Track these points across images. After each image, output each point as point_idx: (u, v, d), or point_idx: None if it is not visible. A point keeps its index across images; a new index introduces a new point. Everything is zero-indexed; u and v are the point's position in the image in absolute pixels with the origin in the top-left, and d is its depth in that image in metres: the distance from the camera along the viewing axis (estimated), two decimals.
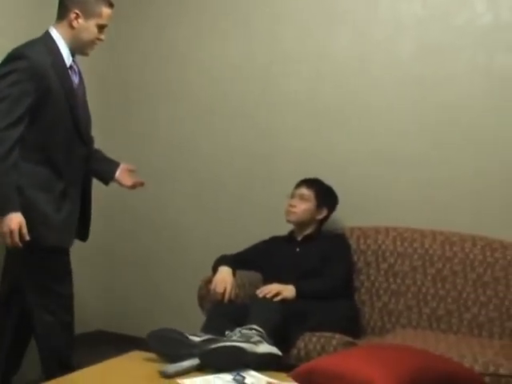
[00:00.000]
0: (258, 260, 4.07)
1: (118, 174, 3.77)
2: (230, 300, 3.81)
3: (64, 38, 3.47)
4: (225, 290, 3.80)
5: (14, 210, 3.28)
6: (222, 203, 4.73)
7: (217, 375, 2.93)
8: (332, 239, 4.07)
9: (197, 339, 3.15)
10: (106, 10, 3.50)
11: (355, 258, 4.10)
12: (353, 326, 3.86)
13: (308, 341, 3.55)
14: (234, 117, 4.68)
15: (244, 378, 2.90)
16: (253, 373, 2.97)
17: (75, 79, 3.53)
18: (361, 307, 4.04)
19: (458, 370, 2.63)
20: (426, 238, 4.02)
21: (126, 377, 2.94)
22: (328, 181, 4.12)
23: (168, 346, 3.13)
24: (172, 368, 2.94)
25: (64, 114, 3.44)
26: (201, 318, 3.85)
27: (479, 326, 3.81)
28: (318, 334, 3.56)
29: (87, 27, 3.47)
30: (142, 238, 5.03)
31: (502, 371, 3.15)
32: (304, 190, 4.08)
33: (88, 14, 3.46)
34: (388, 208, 4.24)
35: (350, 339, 3.57)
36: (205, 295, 3.88)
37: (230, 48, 4.69)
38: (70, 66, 3.51)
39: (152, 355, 3.14)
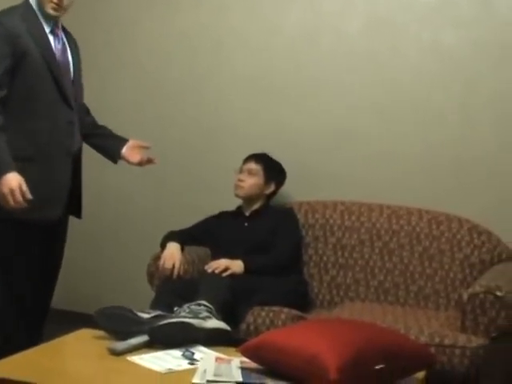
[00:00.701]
0: (207, 235, 4.07)
1: (124, 150, 3.72)
2: (178, 276, 3.81)
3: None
4: (173, 266, 3.80)
5: (11, 169, 3.21)
6: (171, 178, 4.71)
7: (166, 351, 2.93)
8: (280, 213, 4.09)
9: (145, 316, 3.14)
10: None
11: (303, 232, 4.13)
12: (301, 300, 3.89)
13: (257, 315, 3.57)
14: (182, 90, 4.65)
15: (193, 353, 2.90)
16: (202, 348, 2.97)
17: (58, 44, 3.47)
18: (309, 281, 4.07)
19: (403, 342, 2.67)
20: (374, 212, 4.06)
21: (74, 355, 2.93)
22: (276, 156, 4.14)
23: (116, 324, 3.11)
24: (121, 345, 2.93)
25: (45, 80, 3.38)
26: (150, 294, 3.84)
27: (425, 297, 3.87)
28: (266, 308, 3.58)
29: None
30: (90, 214, 4.98)
31: (446, 342, 3.21)
32: (252, 165, 4.09)
33: None
34: (336, 183, 4.27)
35: (298, 313, 3.60)
36: (154, 272, 3.87)
37: (181, 20, 4.64)
38: (52, 31, 3.46)
39: (101, 333, 3.12)
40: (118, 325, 3.10)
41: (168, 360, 2.84)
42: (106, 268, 4.93)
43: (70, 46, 3.57)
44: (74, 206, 3.65)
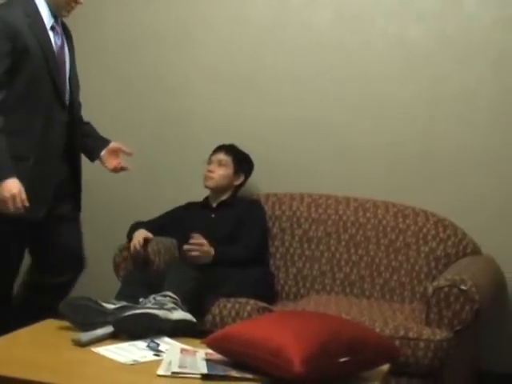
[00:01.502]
0: (174, 226, 4.06)
1: (103, 152, 3.70)
2: (146, 261, 3.80)
3: None
4: (145, 249, 3.84)
5: (12, 175, 3.22)
6: (138, 169, 4.67)
7: (131, 343, 2.92)
8: (247, 205, 4.09)
9: (111, 307, 3.12)
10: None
11: (270, 224, 4.13)
12: (268, 292, 3.90)
13: (222, 307, 3.57)
14: (150, 81, 4.62)
15: (158, 344, 2.89)
16: (167, 340, 2.96)
17: (58, 41, 3.43)
18: (275, 273, 4.08)
19: (368, 335, 2.68)
20: (340, 205, 4.08)
21: (38, 346, 2.90)
22: (244, 147, 4.14)
23: (82, 315, 3.10)
24: (85, 336, 2.91)
25: (43, 77, 3.35)
26: (116, 285, 3.83)
27: (391, 290, 3.90)
28: (232, 299, 3.58)
29: None
30: None
31: (411, 335, 3.23)
32: (222, 156, 4.08)
33: None
34: (303, 175, 4.28)
35: (264, 305, 3.61)
36: (120, 262, 3.86)
37: (149, 11, 4.61)
38: (53, 28, 3.41)
39: (66, 324, 3.10)
40: (84, 316, 3.08)
41: (133, 351, 2.82)
42: None
43: (66, 42, 3.53)
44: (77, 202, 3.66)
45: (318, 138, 4.26)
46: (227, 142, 4.15)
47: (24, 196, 3.24)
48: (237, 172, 4.09)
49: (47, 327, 3.12)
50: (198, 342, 2.87)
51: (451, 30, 3.99)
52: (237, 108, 4.39)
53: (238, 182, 4.12)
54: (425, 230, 3.91)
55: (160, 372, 2.59)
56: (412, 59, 4.07)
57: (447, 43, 4.00)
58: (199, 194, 4.15)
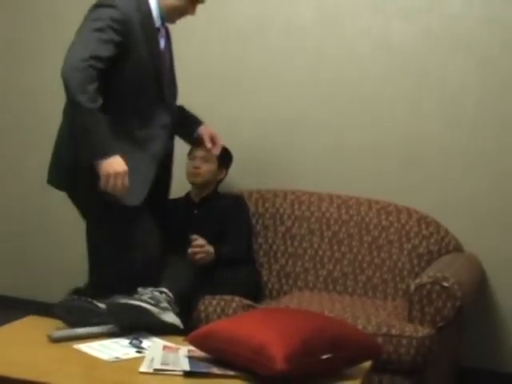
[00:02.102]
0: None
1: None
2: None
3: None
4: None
5: (116, 153, 3.11)
6: None
7: (114, 340, 2.92)
8: (232, 202, 4.07)
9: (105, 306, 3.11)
10: None
11: (253, 221, 4.13)
12: (255, 290, 3.90)
13: (208, 304, 3.55)
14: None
15: (141, 342, 2.89)
16: (150, 337, 2.96)
17: (162, 42, 3.41)
18: (259, 270, 4.08)
19: (350, 332, 2.69)
20: (323, 202, 4.08)
21: (20, 343, 2.88)
22: (227, 146, 4.12)
23: (76, 316, 3.08)
24: (57, 333, 2.91)
25: (147, 79, 3.31)
26: None
27: (373, 287, 3.91)
28: (217, 297, 3.57)
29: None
30: (38, 201, 4.93)
31: (393, 332, 3.23)
32: (206, 151, 4.06)
33: None
34: (287, 174, 4.28)
35: (249, 302, 3.59)
36: None
37: None
38: (158, 29, 3.39)
39: (49, 320, 3.11)
40: (78, 317, 3.07)
41: (115, 348, 2.83)
42: (53, 254, 4.88)
43: (168, 41, 3.52)
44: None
45: (301, 137, 4.27)
46: None
47: (127, 180, 3.13)
48: (220, 167, 4.08)
49: (30, 324, 3.12)
50: (180, 339, 2.88)
51: (435, 29, 4.00)
52: (221, 107, 4.39)
53: (221, 177, 4.11)
54: (408, 227, 3.92)
55: (142, 369, 2.60)
56: (396, 59, 4.08)
57: (431, 43, 4.01)
58: (177, 190, 4.11)
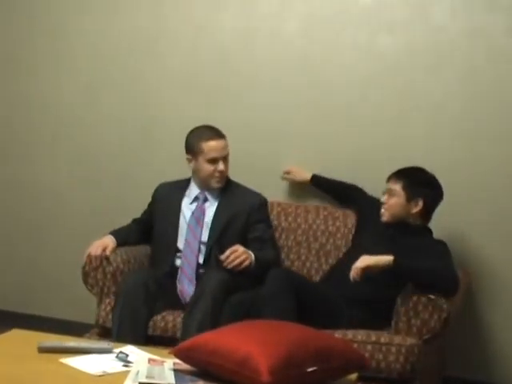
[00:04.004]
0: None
1: None
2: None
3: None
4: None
5: (111, 234, 3.85)
6: (103, 175, 4.68)
7: (101, 354, 2.91)
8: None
9: None
10: (206, 145, 3.70)
11: None
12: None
13: None
14: (117, 90, 4.64)
15: (127, 355, 2.87)
16: (136, 350, 2.96)
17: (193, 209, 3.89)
18: None
19: (336, 344, 2.68)
20: (310, 213, 4.09)
21: (4, 356, 2.84)
22: None
23: None
24: (47, 343, 2.90)
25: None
26: (84, 292, 3.83)
27: None
28: None
29: (199, 166, 3.78)
30: (21, 213, 4.92)
31: (382, 340, 3.27)
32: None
33: (195, 155, 3.75)
34: (272, 180, 4.27)
35: None
36: (89, 272, 3.81)
37: (118, 22, 4.62)
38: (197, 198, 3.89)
39: (33, 333, 3.09)
40: None
41: (102, 362, 2.80)
42: (38, 266, 4.86)
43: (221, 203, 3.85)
44: None
45: (284, 144, 4.30)
46: None
47: (109, 250, 3.74)
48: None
49: (13, 337, 3.09)
50: (166, 351, 2.86)
51: (419, 40, 4.03)
52: (205, 115, 4.38)
53: None
54: None
55: (127, 383, 2.58)
56: (380, 69, 4.11)
57: (415, 53, 4.05)
58: None
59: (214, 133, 3.79)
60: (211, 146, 3.74)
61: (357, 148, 4.16)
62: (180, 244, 3.83)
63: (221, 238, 3.79)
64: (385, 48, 4.08)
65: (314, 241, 4.05)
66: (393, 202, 3.68)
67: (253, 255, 3.67)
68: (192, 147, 3.78)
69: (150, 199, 4.06)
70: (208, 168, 3.76)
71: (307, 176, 4.16)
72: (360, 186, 4.08)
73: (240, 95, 4.37)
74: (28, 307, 4.82)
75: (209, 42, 4.42)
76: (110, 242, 3.81)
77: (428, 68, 4.02)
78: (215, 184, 3.81)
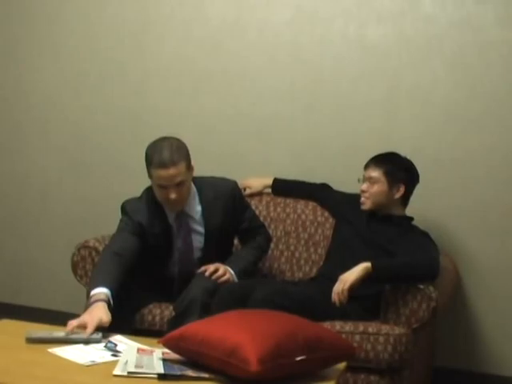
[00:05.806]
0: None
1: None
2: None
3: None
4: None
5: (102, 300, 3.18)
6: (94, 165, 4.67)
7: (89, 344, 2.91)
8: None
9: None
10: (155, 172, 3.48)
11: None
12: None
13: None
14: (106, 79, 4.64)
15: (116, 345, 2.88)
16: (124, 340, 2.95)
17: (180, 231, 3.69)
18: None
19: (324, 334, 2.68)
20: (299, 203, 4.09)
21: None
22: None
23: None
24: (36, 333, 2.89)
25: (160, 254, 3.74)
26: (72, 284, 3.82)
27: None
28: None
29: (154, 187, 3.57)
30: (10, 204, 4.91)
31: (370, 330, 3.27)
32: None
33: (149, 175, 3.54)
34: (260, 172, 4.26)
35: None
36: (78, 262, 3.80)
37: (104, 10, 4.61)
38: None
39: (21, 324, 3.08)
40: None
41: (91, 352, 2.80)
42: (28, 256, 4.86)
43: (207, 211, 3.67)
44: None
45: (274, 135, 4.30)
46: (185, 137, 4.02)
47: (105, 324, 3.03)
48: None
49: (2, 328, 3.09)
50: (155, 341, 2.86)
51: (409, 30, 4.03)
52: (194, 105, 4.42)
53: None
54: None
55: (116, 372, 2.58)
56: (370, 59, 4.10)
57: (405, 43, 4.04)
58: None
59: (164, 160, 3.41)
60: (159, 174, 3.45)
61: (346, 138, 4.16)
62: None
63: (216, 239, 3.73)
64: (374, 38, 4.07)
65: (302, 231, 4.04)
66: (375, 189, 3.66)
67: (233, 272, 3.60)
68: (146, 165, 3.55)
69: (140, 188, 3.82)
70: (160, 193, 3.52)
71: (267, 182, 4.13)
72: (352, 175, 4.05)
73: (229, 86, 4.36)
74: (17, 298, 4.83)
75: (197, 33, 4.41)
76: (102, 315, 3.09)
77: (418, 58, 4.02)
78: (171, 209, 3.60)
